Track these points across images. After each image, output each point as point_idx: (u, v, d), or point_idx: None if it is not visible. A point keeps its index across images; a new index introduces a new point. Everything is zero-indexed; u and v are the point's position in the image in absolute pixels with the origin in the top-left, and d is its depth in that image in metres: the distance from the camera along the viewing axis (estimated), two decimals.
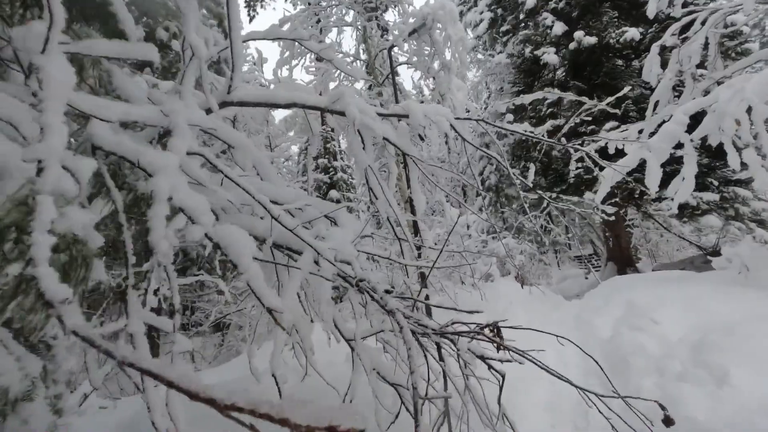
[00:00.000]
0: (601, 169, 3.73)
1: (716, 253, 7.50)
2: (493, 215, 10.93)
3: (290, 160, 17.99)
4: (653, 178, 4.08)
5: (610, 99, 3.34)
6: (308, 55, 5.69)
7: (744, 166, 5.13)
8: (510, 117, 9.84)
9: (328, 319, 1.35)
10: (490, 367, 1.63)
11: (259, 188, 2.07)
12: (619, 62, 8.11)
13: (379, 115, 2.31)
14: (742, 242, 3.86)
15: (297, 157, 16.63)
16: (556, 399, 2.53)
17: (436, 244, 7.87)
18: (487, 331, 1.59)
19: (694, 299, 2.95)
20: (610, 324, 3.25)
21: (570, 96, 2.61)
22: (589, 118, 7.42)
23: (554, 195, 10.37)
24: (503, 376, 1.59)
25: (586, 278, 12.46)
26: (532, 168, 2.84)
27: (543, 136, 2.60)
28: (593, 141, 3.35)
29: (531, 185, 2.59)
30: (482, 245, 8.75)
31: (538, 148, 10.92)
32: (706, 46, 5.37)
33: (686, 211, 7.31)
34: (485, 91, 16.35)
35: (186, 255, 5.63)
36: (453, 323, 1.68)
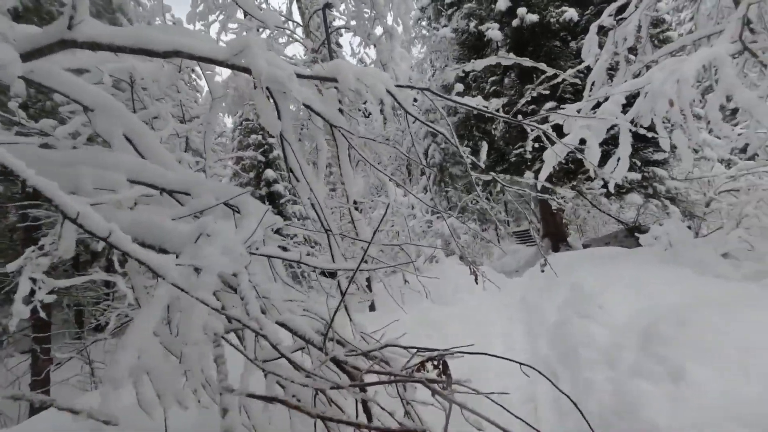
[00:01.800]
0: (552, 144, 3.59)
1: (637, 228, 8.19)
2: (437, 195, 10.91)
3: (224, 136, 16.42)
4: (593, 155, 4.09)
5: (570, 71, 3.16)
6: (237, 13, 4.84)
7: (673, 148, 5.40)
8: (458, 89, 9.69)
9: (192, 366, 0.92)
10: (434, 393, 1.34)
11: (130, 168, 1.53)
12: (558, 43, 8.23)
13: (300, 77, 1.84)
14: (670, 220, 4.06)
15: (232, 133, 15.19)
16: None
17: (378, 226, 7.59)
18: (430, 367, 1.27)
19: (635, 280, 2.97)
20: (556, 307, 3.21)
21: (527, 62, 2.41)
22: (530, 98, 7.49)
23: (497, 175, 10.58)
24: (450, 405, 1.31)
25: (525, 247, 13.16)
26: (485, 147, 2.57)
27: (498, 111, 2.31)
28: (545, 119, 3.17)
29: (483, 165, 2.32)
30: (427, 226, 8.68)
31: (483, 127, 11.01)
32: (638, 29, 5.53)
33: (614, 190, 7.81)
34: (430, 69, 16.10)
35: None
36: (386, 346, 1.35)
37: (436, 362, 1.27)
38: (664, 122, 4.82)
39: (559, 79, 4.76)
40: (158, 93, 3.74)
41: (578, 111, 5.79)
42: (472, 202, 12.23)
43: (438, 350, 1.28)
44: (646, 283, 2.89)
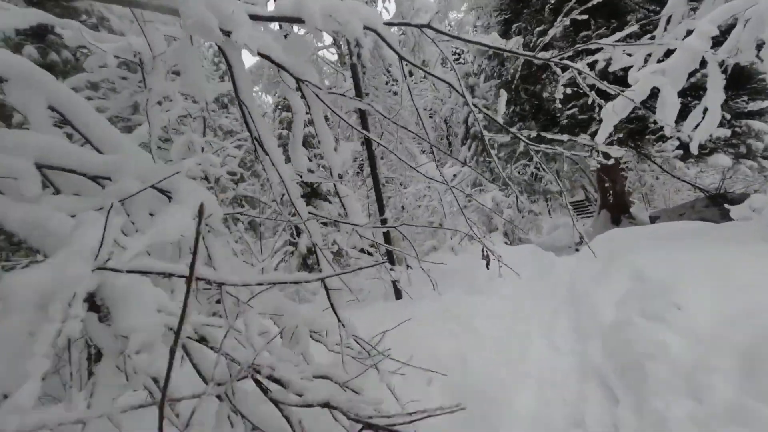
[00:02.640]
0: (599, 93, 2.80)
1: (722, 196, 6.86)
2: (479, 166, 10.08)
3: (267, 116, 16.54)
4: (669, 110, 3.23)
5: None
6: None
7: None
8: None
9: None
10: None
11: (39, 150, 1.21)
12: None
13: (256, 18, 1.40)
14: None
15: (272, 114, 15.14)
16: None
17: (410, 204, 7.10)
18: None
19: (726, 269, 2.25)
20: (614, 302, 2.60)
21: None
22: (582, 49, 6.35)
23: (546, 139, 9.49)
24: None
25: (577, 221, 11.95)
26: (503, 96, 1.96)
27: (518, 50, 1.71)
28: (586, 51, 2.47)
29: (500, 122, 1.76)
30: (467, 200, 8.02)
31: (532, 89, 9.78)
32: None
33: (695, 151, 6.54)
34: (472, 31, 14.73)
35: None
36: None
37: None
38: None
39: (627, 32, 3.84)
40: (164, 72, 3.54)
41: (647, 56, 4.75)
42: (519, 172, 11.21)
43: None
44: (742, 273, 2.17)
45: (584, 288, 3.16)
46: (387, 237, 3.85)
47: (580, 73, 1.94)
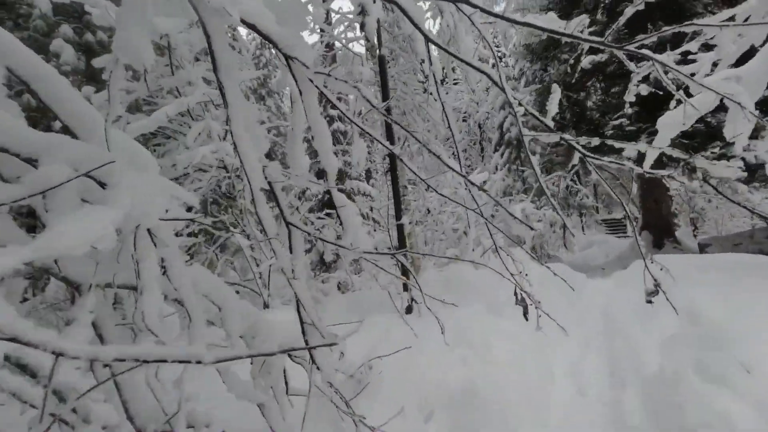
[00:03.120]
0: (682, 90, 2.38)
1: None
2: (512, 174, 9.58)
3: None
4: (743, 123, 2.78)
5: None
6: None
7: None
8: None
9: None
10: None
11: None
12: None
13: None
14: None
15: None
16: None
17: (435, 209, 6.77)
18: None
19: None
20: (660, 343, 2.20)
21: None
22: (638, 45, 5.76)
23: (588, 149, 8.86)
24: None
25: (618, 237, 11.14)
26: (557, 92, 1.62)
27: (582, 33, 1.41)
28: (662, 45, 2.10)
29: (549, 124, 1.46)
30: (495, 210, 7.59)
31: (575, 98, 9.14)
32: None
33: (759, 174, 5.82)
34: (516, 34, 14.16)
35: None
36: None
37: None
38: None
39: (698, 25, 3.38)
40: (190, 56, 3.45)
41: (714, 64, 4.20)
42: (553, 184, 10.59)
43: None
44: None
45: (622, 321, 2.76)
46: (402, 240, 3.59)
47: (665, 69, 1.57)
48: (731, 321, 1.96)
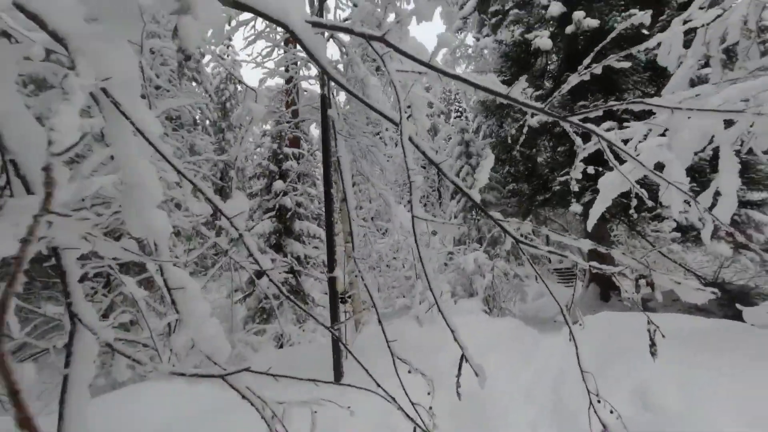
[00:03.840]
0: (617, 160, 2.33)
1: (720, 286, 6.39)
2: (467, 223, 9.64)
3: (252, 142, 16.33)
4: (677, 189, 2.79)
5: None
6: None
7: None
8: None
9: None
10: None
11: None
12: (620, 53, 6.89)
13: None
14: None
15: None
16: None
17: (379, 257, 6.49)
18: None
19: (759, 406, 1.65)
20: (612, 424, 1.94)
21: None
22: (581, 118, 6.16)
23: (537, 203, 9.17)
24: None
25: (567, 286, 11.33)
26: (489, 158, 1.40)
27: (530, 101, 1.22)
28: (611, 116, 2.01)
29: (476, 198, 1.23)
30: (449, 258, 7.44)
31: (527, 153, 9.62)
32: (744, 22, 4.14)
33: (690, 235, 6.15)
34: (475, 90, 15.13)
35: None
36: None
37: None
38: None
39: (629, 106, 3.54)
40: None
41: (646, 134, 4.44)
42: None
43: None
44: None
45: (571, 398, 2.48)
46: (334, 294, 3.19)
47: (609, 144, 1.42)
48: (688, 412, 1.74)
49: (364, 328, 4.32)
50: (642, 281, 1.31)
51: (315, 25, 1.11)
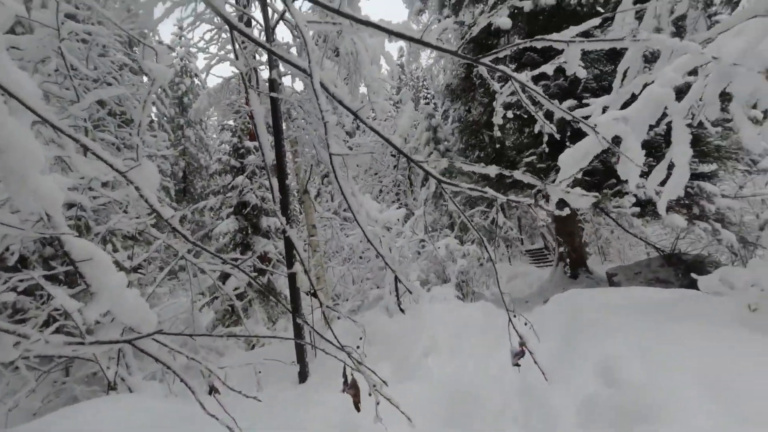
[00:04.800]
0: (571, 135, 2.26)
1: (676, 256, 6.70)
2: (437, 209, 9.62)
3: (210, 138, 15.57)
4: (633, 160, 2.80)
5: None
6: None
7: (723, 156, 3.95)
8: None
9: None
10: None
11: None
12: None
13: None
14: (758, 261, 2.68)
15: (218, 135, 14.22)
16: None
17: (351, 249, 6.34)
18: None
19: (718, 373, 1.65)
20: (576, 408, 1.90)
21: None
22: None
23: (505, 185, 9.25)
24: None
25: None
26: (409, 104, 1.32)
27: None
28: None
29: (434, 173, 1.11)
30: (421, 246, 7.38)
31: (493, 136, 9.66)
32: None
33: (648, 209, 6.36)
34: (442, 74, 15.07)
35: None
36: None
37: None
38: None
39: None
40: None
41: (604, 108, 4.46)
42: (480, 217, 10.87)
43: None
44: (739, 381, 1.58)
45: (537, 380, 2.45)
46: (294, 290, 3.01)
47: (523, 88, 1.36)
48: (652, 385, 1.71)
49: (333, 324, 4.17)
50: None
51: None
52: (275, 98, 2.96)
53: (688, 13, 4.42)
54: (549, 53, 7.24)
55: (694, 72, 2.99)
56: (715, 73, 2.92)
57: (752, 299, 2.48)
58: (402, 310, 3.70)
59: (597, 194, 1.10)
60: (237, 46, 2.32)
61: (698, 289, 3.23)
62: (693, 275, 3.45)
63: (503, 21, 7.07)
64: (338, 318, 4.24)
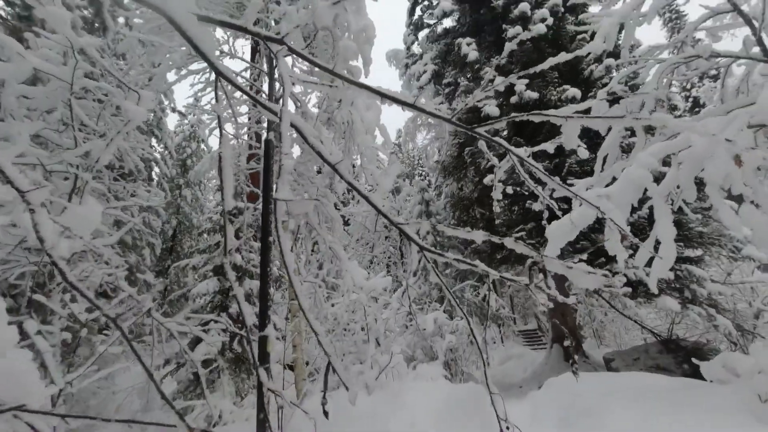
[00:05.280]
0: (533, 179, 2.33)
1: (674, 342, 6.43)
2: (426, 282, 9.43)
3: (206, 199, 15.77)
4: (617, 239, 2.81)
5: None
6: None
7: (711, 242, 4.02)
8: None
9: None
10: None
11: None
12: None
13: None
14: (761, 346, 2.54)
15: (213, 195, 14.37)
16: None
17: (335, 319, 6.04)
18: None
19: None
20: None
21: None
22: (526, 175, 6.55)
23: (496, 261, 9.21)
24: None
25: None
26: (395, 164, 1.32)
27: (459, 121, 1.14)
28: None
29: (366, 194, 1.07)
30: (409, 320, 7.04)
31: (483, 213, 9.94)
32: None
33: (640, 290, 6.27)
34: (436, 153, 16.02)
35: None
36: None
37: None
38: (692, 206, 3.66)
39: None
40: None
41: (587, 189, 4.65)
42: (471, 293, 10.60)
43: None
44: None
45: None
46: (264, 356, 2.73)
47: (521, 161, 1.38)
48: None
49: (306, 399, 3.74)
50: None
51: (202, 18, 0.98)
52: (269, 159, 3.04)
53: (655, 110, 4.88)
54: (535, 138, 7.80)
55: (667, 163, 3.18)
56: (687, 163, 3.09)
57: (762, 388, 2.29)
58: (325, 413, 3.36)
59: (606, 273, 1.01)
60: (220, 93, 2.44)
61: (700, 377, 3.01)
62: (695, 360, 3.26)
63: (492, 110, 7.76)
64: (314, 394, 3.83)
